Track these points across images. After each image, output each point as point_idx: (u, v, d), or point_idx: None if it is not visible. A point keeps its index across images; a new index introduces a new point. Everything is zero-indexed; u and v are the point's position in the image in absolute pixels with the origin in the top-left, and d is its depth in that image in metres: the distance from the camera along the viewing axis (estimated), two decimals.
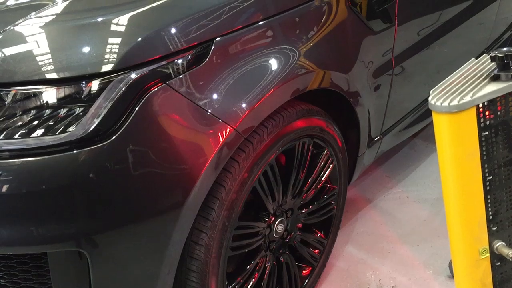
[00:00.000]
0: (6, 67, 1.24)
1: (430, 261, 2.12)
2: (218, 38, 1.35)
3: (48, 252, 1.24)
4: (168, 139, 1.26)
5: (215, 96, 1.33)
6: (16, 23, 1.31)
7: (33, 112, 1.21)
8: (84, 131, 1.18)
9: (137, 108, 1.21)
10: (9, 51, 1.26)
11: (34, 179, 1.17)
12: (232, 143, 1.36)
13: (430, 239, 2.25)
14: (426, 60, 2.30)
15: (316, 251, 1.93)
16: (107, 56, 1.22)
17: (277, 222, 1.69)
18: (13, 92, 1.20)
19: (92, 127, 1.18)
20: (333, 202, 1.93)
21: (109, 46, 1.24)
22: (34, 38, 1.27)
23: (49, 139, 1.18)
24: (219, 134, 1.32)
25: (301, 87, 1.54)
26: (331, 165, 1.83)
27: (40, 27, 1.31)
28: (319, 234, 1.93)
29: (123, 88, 1.20)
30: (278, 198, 1.65)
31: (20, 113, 1.21)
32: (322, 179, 1.82)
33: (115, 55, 1.22)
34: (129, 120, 1.21)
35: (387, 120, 2.13)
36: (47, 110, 1.21)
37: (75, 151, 1.18)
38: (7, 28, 1.29)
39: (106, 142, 1.19)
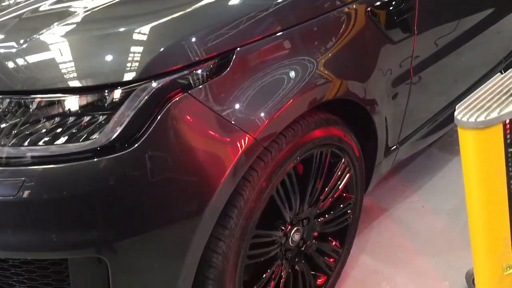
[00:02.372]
0: (31, 75, 1.26)
1: (446, 273, 2.10)
2: (239, 48, 1.35)
3: (69, 258, 1.26)
4: (189, 147, 1.27)
5: (235, 105, 1.33)
6: (40, 32, 1.32)
7: (56, 119, 1.23)
8: (106, 139, 1.19)
9: (159, 117, 1.22)
10: (34, 59, 1.28)
11: (56, 185, 1.19)
12: (252, 152, 1.37)
13: (446, 250, 2.23)
14: (444, 69, 2.28)
15: (331, 260, 1.92)
16: (129, 65, 1.24)
17: (293, 231, 1.69)
18: (38, 99, 1.22)
19: (115, 135, 1.20)
20: (349, 211, 1.92)
21: (131, 56, 1.25)
22: (58, 47, 1.29)
23: (72, 147, 1.19)
24: (239, 143, 1.33)
25: (320, 97, 1.55)
26: (348, 175, 1.83)
27: (64, 36, 1.33)
28: (334, 243, 1.93)
29: (146, 97, 1.21)
30: (295, 207, 1.65)
31: (44, 120, 1.22)
32: (339, 188, 1.81)
33: (137, 65, 1.23)
34: (151, 128, 1.22)
35: (404, 129, 2.13)
36: (70, 118, 1.22)
37: (97, 159, 1.19)
38: (32, 37, 1.31)
39: (128, 150, 1.20)
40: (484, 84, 1.10)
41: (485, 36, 2.55)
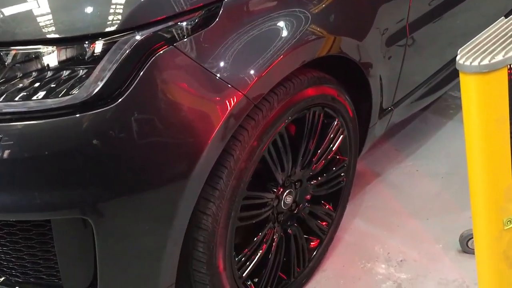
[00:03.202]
0: (6, 27, 1.18)
1: (440, 236, 2.08)
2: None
3: (52, 219, 1.21)
4: (175, 104, 1.21)
5: (224, 60, 1.27)
6: None
7: (34, 74, 1.16)
8: (87, 94, 1.13)
9: (143, 71, 1.16)
10: (8, 10, 1.20)
11: (36, 143, 1.13)
12: (242, 109, 1.31)
13: (440, 214, 2.21)
14: (439, 31, 2.22)
15: (324, 223, 1.89)
16: (110, 16, 1.16)
17: (285, 193, 1.65)
18: (14, 52, 1.15)
19: (96, 90, 1.13)
20: (343, 174, 1.88)
21: (112, 5, 1.18)
22: None
23: (52, 102, 1.13)
24: (228, 100, 1.27)
25: (312, 53, 1.48)
26: (341, 136, 1.78)
27: None
28: (327, 207, 1.89)
29: (128, 50, 1.15)
30: (287, 168, 1.60)
31: (21, 75, 1.16)
32: (332, 150, 1.77)
33: (119, 15, 1.16)
34: (135, 83, 1.15)
35: (399, 91, 2.07)
36: (48, 72, 1.16)
37: (78, 115, 1.13)
38: None
39: (111, 106, 1.14)
40: (488, 28, 1.05)
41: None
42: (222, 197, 1.36)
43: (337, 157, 1.84)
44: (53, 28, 1.17)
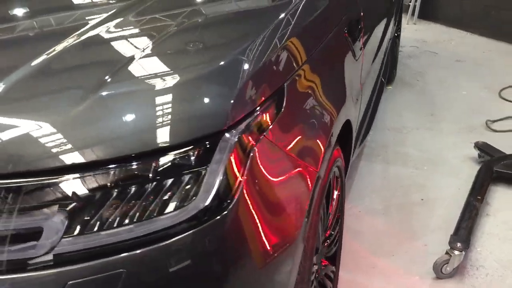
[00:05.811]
0: (105, 144, 0.99)
1: (410, 268, 2.25)
2: (286, 82, 1.28)
3: None
4: (275, 193, 1.15)
5: (297, 141, 1.25)
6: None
7: (132, 190, 0.99)
8: (206, 200, 1.01)
9: (247, 165, 1.08)
10: (102, 123, 1.02)
11: (160, 270, 0.96)
12: (316, 186, 1.30)
13: (399, 247, 2.39)
14: (368, 79, 2.46)
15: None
16: (209, 116, 1.07)
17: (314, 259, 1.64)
18: (114, 170, 0.97)
19: (213, 194, 1.01)
20: (338, 229, 1.93)
21: (209, 105, 1.09)
22: (123, 105, 1.05)
23: (182, 214, 0.98)
24: (310, 180, 1.25)
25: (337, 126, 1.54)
26: (339, 193, 1.84)
27: (140, 84, 1.10)
28: (330, 264, 1.92)
29: (232, 147, 1.06)
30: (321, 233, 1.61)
31: (117, 195, 0.98)
32: (338, 208, 1.82)
33: (217, 113, 1.07)
34: (244, 178, 1.07)
35: (355, 140, 2.23)
36: (149, 186, 1.00)
37: (200, 226, 0.99)
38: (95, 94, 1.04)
39: (229, 207, 1.03)
40: None
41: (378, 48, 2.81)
42: (302, 281, 1.31)
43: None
44: (152, 139, 1.02)
